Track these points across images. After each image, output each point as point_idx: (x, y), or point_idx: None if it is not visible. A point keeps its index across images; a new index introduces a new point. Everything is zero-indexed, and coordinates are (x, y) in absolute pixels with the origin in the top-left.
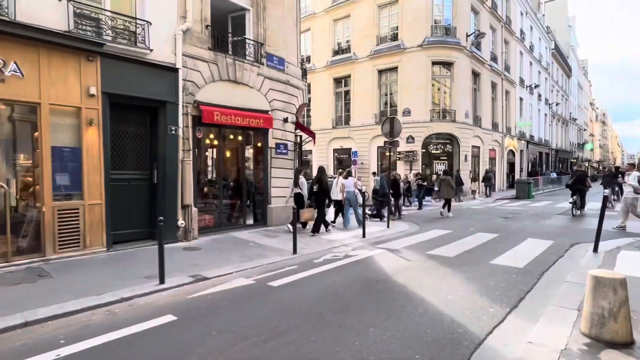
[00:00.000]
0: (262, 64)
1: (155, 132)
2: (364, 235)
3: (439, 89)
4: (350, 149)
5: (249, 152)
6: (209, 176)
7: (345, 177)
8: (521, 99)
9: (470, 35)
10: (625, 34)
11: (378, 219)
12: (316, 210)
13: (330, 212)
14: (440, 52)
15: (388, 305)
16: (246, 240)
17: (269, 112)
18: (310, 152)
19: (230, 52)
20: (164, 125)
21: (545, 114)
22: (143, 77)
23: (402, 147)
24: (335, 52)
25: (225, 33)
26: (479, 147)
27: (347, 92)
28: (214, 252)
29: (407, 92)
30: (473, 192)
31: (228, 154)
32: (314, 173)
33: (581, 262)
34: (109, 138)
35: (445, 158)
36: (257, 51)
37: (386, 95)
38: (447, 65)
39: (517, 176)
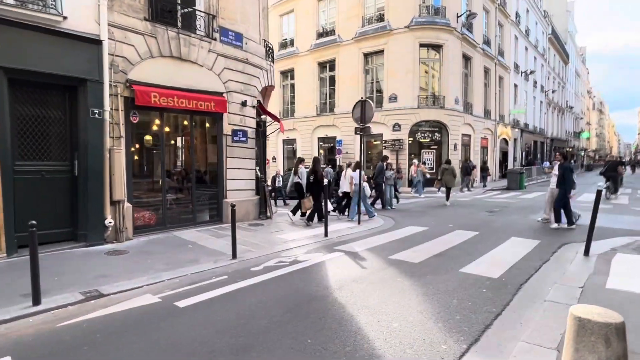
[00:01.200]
0: (215, 40)
1: (76, 116)
2: (325, 234)
3: (428, 73)
4: (336, 137)
5: (201, 139)
6: (151, 167)
7: (354, 169)
8: (516, 86)
9: (460, 15)
10: (625, 22)
11: (338, 214)
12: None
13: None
14: (429, 34)
15: (310, 338)
16: (188, 241)
17: (224, 95)
18: (294, 140)
19: (179, 26)
20: (85, 108)
21: (541, 102)
22: (55, 49)
23: (388, 135)
24: (320, 35)
25: (171, 2)
26: (469, 136)
27: (332, 78)
28: (139, 257)
29: (394, 76)
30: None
31: (175, 142)
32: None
33: (569, 269)
34: (8, 122)
35: (435, 147)
36: (209, 24)
37: (372, 80)
38: (436, 47)
39: (510, 166)
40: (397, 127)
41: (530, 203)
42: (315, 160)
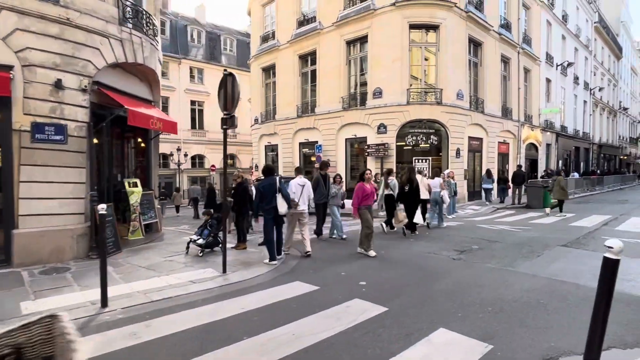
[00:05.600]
0: None
1: None
2: (103, 304)
3: (422, 61)
4: (317, 142)
5: None
6: None
7: (432, 177)
8: (548, 80)
9: None
10: None
11: (214, 248)
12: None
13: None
14: (420, 11)
15: None
16: None
17: (12, 69)
18: (276, 146)
19: None
20: None
21: (585, 101)
22: None
23: (372, 139)
24: (300, 23)
25: None
26: (480, 139)
27: (314, 73)
28: None
29: (379, 66)
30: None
31: None
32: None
33: None
34: None
35: (435, 153)
36: None
37: (356, 73)
38: (431, 29)
39: (542, 177)
40: (382, 128)
41: (539, 234)
42: (411, 170)
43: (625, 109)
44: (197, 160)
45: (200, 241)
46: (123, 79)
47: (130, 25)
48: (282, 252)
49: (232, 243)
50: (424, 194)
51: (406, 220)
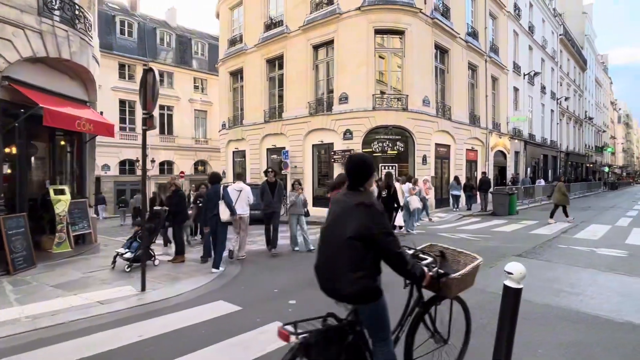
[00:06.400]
0: None
1: None
2: None
3: (387, 67)
4: (284, 148)
5: None
6: None
7: (403, 183)
8: (516, 89)
9: None
10: None
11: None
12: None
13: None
14: (386, 17)
15: None
16: None
17: None
18: (244, 152)
19: None
20: None
21: (552, 110)
22: None
23: (338, 145)
24: (268, 27)
25: None
26: (447, 146)
27: (281, 78)
28: None
29: (345, 71)
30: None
31: None
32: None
33: None
34: None
35: (400, 160)
36: None
37: (323, 78)
38: (397, 34)
39: (509, 183)
40: (348, 134)
41: (497, 243)
42: (389, 175)
43: (590, 118)
44: (166, 167)
45: (128, 255)
46: (48, 77)
47: (56, 18)
48: (220, 267)
49: (171, 255)
50: (402, 200)
51: None
